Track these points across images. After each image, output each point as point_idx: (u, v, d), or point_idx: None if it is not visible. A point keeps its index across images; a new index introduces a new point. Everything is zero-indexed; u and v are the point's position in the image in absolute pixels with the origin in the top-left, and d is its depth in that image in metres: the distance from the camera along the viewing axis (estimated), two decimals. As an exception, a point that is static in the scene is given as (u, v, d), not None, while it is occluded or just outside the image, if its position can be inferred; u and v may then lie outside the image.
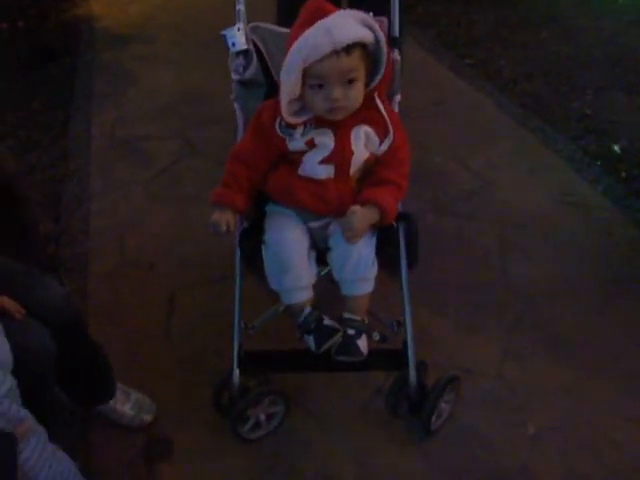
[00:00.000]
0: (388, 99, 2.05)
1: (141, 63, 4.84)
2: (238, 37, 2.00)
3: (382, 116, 1.88)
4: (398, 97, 2.10)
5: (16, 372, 1.60)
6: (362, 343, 2.01)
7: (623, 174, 3.32)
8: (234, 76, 2.04)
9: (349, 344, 1.99)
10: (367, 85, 1.85)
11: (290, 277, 1.96)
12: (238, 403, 2.12)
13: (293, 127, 1.86)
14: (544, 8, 5.08)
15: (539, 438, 2.20)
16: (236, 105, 2.09)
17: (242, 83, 2.06)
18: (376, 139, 1.89)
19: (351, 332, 2.00)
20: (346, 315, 2.01)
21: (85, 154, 3.87)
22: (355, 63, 1.76)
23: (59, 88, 4.77)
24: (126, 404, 2.32)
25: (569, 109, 3.88)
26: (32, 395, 1.62)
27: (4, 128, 3.95)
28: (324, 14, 1.76)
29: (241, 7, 2.13)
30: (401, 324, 2.09)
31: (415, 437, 2.19)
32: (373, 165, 1.94)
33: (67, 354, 1.87)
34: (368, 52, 1.80)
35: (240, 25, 2.05)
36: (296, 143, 1.88)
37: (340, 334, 1.99)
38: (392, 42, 2.08)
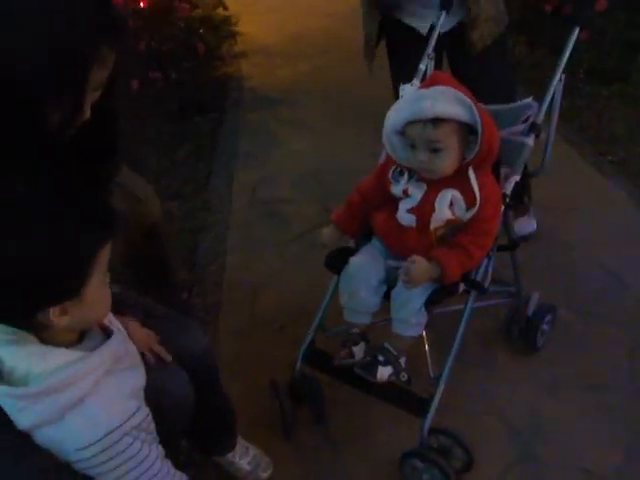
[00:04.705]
0: (502, 176, 2.20)
1: (285, 127, 5.03)
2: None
3: (471, 188, 2.00)
4: (516, 177, 2.21)
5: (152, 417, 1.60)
6: (382, 371, 2.13)
7: None
8: None
9: (370, 364, 2.15)
10: (464, 157, 2.00)
11: (353, 299, 2.19)
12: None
13: (402, 175, 2.08)
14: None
15: None
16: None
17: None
18: (463, 205, 2.02)
19: (380, 358, 2.14)
20: (385, 344, 2.17)
21: (225, 209, 4.05)
22: (441, 136, 1.93)
23: (204, 142, 5.00)
24: (244, 458, 2.37)
25: None
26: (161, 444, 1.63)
27: (148, 176, 4.14)
28: (433, 84, 1.97)
29: (422, 66, 2.51)
30: (437, 378, 2.18)
31: None
32: (460, 228, 2.06)
33: (199, 402, 1.92)
34: (464, 128, 1.95)
35: (416, 82, 2.38)
36: (397, 189, 2.09)
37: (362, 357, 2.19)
38: (531, 127, 2.24)
